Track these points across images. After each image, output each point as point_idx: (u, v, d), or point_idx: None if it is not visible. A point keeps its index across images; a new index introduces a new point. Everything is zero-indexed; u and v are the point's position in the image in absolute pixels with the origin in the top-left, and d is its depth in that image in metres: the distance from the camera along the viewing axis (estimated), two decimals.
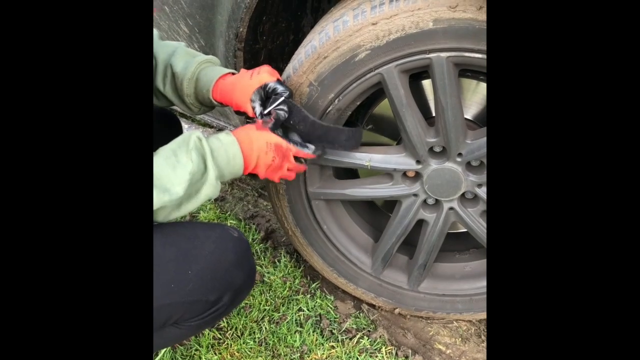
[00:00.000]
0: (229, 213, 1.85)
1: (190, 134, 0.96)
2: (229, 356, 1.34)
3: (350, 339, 1.40)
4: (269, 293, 1.52)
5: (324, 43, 1.04)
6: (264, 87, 1.06)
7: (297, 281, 1.57)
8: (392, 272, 1.42)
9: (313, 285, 1.56)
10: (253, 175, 1.07)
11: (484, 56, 0.97)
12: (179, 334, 1.11)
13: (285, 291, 1.53)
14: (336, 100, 1.10)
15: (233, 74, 1.12)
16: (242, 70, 1.11)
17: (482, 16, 0.92)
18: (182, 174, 0.91)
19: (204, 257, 1.02)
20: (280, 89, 1.05)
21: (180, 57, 1.14)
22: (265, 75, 1.08)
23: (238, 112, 1.12)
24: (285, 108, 1.05)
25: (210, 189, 0.97)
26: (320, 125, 1.09)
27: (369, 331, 1.44)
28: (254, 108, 1.07)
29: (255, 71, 1.09)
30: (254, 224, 1.81)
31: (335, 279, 1.46)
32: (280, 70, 1.19)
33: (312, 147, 1.07)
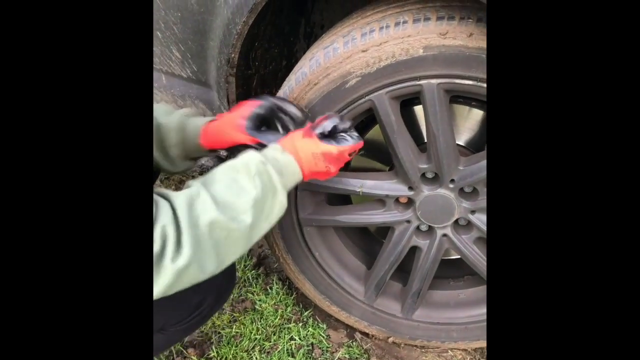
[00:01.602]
0: None
1: (250, 157, 0.92)
2: None
3: None
4: (260, 321, 1.49)
5: (315, 70, 1.04)
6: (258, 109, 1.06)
7: (289, 309, 1.53)
8: (386, 299, 1.39)
9: (305, 314, 1.53)
10: None
11: (475, 83, 0.96)
12: (166, 340, 1.11)
13: (277, 319, 1.49)
14: None
15: None
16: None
17: (472, 43, 0.92)
18: (247, 200, 0.86)
19: None
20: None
21: (161, 111, 1.13)
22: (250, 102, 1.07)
23: (230, 150, 1.12)
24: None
25: (281, 210, 0.93)
26: None
27: None
28: (247, 128, 1.04)
29: (237, 105, 1.08)
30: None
31: (328, 307, 1.43)
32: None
33: (354, 135, 1.01)
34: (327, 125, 0.99)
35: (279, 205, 0.92)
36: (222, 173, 0.89)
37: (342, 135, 1.00)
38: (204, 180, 0.87)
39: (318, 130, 0.98)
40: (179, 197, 0.80)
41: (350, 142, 0.99)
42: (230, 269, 1.14)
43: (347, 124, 1.01)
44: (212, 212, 0.80)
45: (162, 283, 0.75)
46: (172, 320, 1.04)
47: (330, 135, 1.00)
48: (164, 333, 1.08)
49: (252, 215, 0.86)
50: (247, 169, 0.89)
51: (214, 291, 1.09)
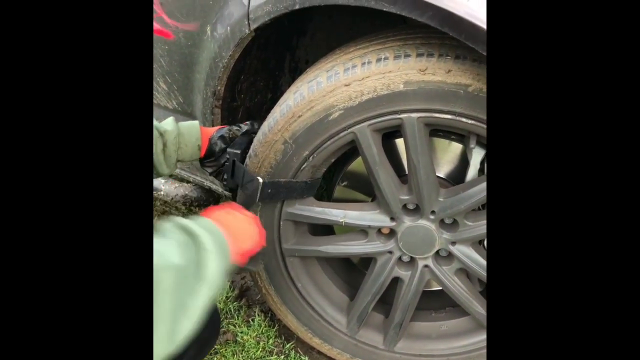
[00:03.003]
0: None
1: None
2: None
3: None
4: (242, 354, 1.47)
5: (299, 102, 1.07)
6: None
7: (271, 341, 1.52)
8: (368, 331, 1.39)
9: (287, 346, 1.51)
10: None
11: (454, 117, 0.99)
12: None
13: (259, 352, 1.48)
14: (310, 158, 1.12)
15: None
16: None
17: (451, 79, 0.95)
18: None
19: None
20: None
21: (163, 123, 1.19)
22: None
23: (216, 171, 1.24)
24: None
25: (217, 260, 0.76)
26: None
27: None
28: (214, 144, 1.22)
29: None
30: (228, 281, 1.77)
31: (310, 339, 1.42)
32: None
33: None
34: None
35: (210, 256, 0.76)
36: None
37: None
38: None
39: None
40: None
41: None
42: (216, 323, 1.11)
43: None
44: None
45: None
46: None
47: None
48: None
49: (179, 256, 0.71)
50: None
51: (197, 344, 1.03)
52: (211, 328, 1.08)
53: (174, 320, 0.67)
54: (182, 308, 0.68)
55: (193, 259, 0.73)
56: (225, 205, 1.04)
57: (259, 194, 1.13)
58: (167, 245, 0.72)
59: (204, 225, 0.82)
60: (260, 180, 1.12)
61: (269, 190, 1.14)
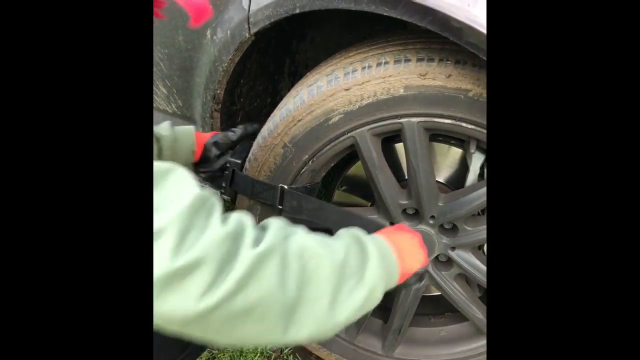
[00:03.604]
0: None
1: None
2: None
3: None
4: (240, 358, 1.46)
5: (299, 106, 1.07)
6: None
7: (269, 346, 1.51)
8: (367, 336, 1.38)
9: (285, 351, 1.51)
10: None
11: (453, 122, 1.00)
12: None
13: (257, 356, 1.47)
14: (310, 162, 1.12)
15: None
16: None
17: (451, 84, 0.96)
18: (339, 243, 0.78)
19: None
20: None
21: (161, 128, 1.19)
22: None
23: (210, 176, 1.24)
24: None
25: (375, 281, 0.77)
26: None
27: None
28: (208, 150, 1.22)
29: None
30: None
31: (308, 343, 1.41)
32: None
33: None
34: None
35: (374, 270, 0.78)
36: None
37: None
38: None
39: None
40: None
41: None
42: None
43: None
44: (306, 238, 0.73)
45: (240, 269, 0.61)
46: None
47: None
48: None
49: (344, 253, 0.76)
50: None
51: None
52: None
53: (331, 302, 0.69)
54: (339, 298, 0.71)
55: (357, 261, 0.77)
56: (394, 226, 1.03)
57: (284, 202, 1.13)
58: (335, 241, 0.79)
59: (375, 240, 0.86)
60: (286, 187, 1.12)
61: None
